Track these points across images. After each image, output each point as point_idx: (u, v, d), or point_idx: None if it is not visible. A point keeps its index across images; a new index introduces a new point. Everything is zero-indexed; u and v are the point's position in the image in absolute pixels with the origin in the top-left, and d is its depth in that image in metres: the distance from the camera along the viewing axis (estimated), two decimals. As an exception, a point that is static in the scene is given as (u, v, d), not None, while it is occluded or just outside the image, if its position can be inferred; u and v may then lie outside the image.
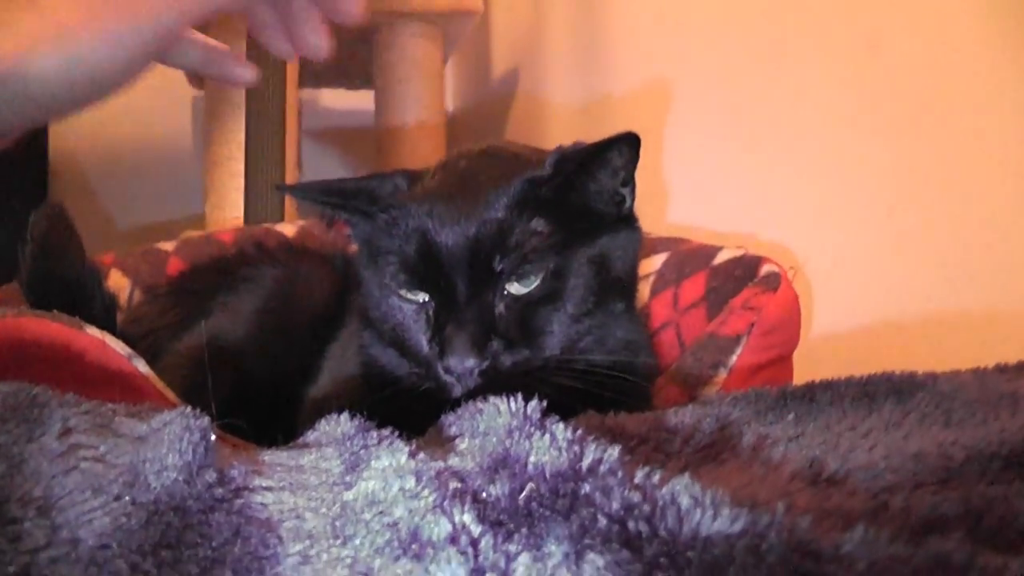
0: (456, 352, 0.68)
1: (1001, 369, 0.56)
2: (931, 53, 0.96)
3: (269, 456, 0.45)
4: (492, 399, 0.52)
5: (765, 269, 0.96)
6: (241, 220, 1.47)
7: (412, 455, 0.44)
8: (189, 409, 0.45)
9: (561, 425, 0.46)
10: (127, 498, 0.36)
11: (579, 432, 0.44)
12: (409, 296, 0.73)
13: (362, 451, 0.46)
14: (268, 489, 0.40)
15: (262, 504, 0.39)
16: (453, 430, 0.55)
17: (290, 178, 1.51)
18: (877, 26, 1.02)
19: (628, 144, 0.74)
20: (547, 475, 0.41)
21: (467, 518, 0.38)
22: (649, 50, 1.37)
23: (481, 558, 0.36)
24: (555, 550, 0.36)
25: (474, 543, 0.37)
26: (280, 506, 0.39)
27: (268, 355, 0.95)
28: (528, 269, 0.70)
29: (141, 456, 0.39)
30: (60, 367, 0.70)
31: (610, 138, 0.73)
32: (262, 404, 0.90)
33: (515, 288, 0.70)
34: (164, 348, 0.94)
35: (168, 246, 1.28)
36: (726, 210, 1.25)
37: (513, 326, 0.70)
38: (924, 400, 0.49)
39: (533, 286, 0.71)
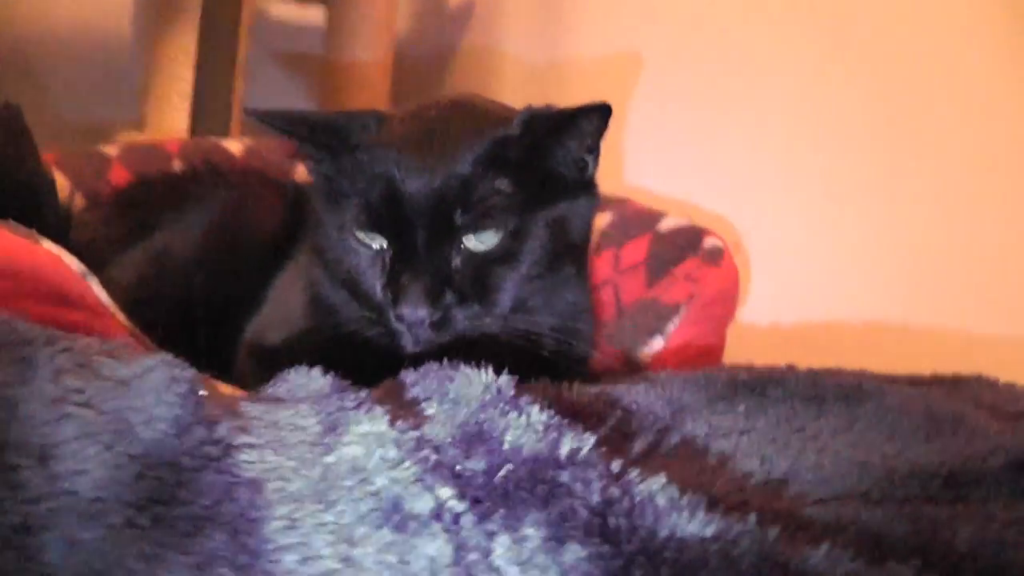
0: (410, 301, 0.68)
1: (939, 381, 0.60)
2: (900, 43, 0.98)
3: (247, 407, 0.46)
4: (463, 368, 0.53)
5: (709, 242, 0.98)
6: (182, 128, 1.43)
7: (391, 423, 0.45)
8: (171, 357, 0.44)
9: (536, 407, 0.47)
10: (119, 448, 0.36)
11: (555, 417, 0.45)
12: (367, 240, 0.73)
13: (339, 413, 0.46)
14: (251, 447, 0.41)
15: (248, 462, 0.39)
16: (417, 391, 0.55)
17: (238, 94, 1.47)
18: (845, 11, 1.04)
19: (600, 114, 0.75)
20: (524, 457, 0.42)
21: (448, 493, 0.40)
22: (616, 15, 1.37)
23: (463, 535, 0.38)
24: (533, 534, 0.38)
25: (456, 519, 0.38)
26: (264, 465, 0.40)
27: (213, 279, 0.93)
28: (488, 225, 0.71)
29: (127, 403, 0.39)
30: (12, 280, 0.69)
31: (584, 107, 0.74)
32: (203, 328, 0.89)
33: (473, 244, 0.71)
34: (107, 260, 0.92)
35: (112, 150, 1.23)
36: (676, 177, 1.27)
37: (468, 281, 0.71)
38: (872, 410, 0.52)
39: (492, 244, 0.71)
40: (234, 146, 1.31)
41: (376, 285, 0.73)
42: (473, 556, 0.37)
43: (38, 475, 0.33)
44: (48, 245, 0.71)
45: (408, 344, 0.72)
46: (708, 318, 0.96)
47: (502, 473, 0.41)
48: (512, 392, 0.49)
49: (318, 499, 0.39)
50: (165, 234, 0.96)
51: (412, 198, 0.70)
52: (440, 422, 0.48)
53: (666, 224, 1.08)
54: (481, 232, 0.71)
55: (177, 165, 1.24)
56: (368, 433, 0.43)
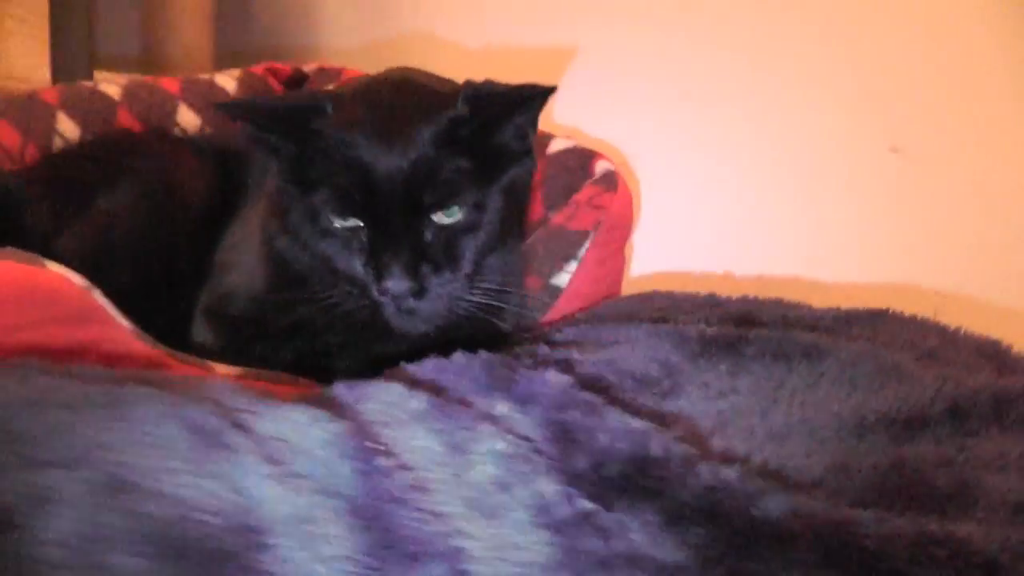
0: (393, 276, 0.76)
1: (858, 317, 0.75)
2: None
3: (379, 431, 0.52)
4: (527, 371, 0.62)
5: (601, 166, 1.06)
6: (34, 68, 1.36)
7: (503, 438, 0.54)
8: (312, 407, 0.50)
9: (612, 408, 0.57)
10: (338, 504, 0.42)
11: (637, 420, 0.55)
12: (341, 223, 0.79)
13: (459, 433, 0.54)
14: (403, 467, 0.48)
15: (409, 486, 0.47)
16: (479, 399, 0.63)
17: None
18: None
19: (546, 95, 0.84)
20: (623, 456, 0.53)
21: (577, 493, 0.50)
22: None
23: (603, 525, 0.48)
24: (653, 519, 0.49)
25: (590, 516, 0.49)
26: (424, 485, 0.48)
27: (158, 253, 0.95)
28: (454, 202, 0.78)
29: (322, 462, 0.45)
30: (38, 308, 0.70)
31: (531, 88, 0.82)
32: (157, 304, 0.92)
33: (441, 219, 0.79)
34: (38, 245, 0.91)
35: None
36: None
37: (439, 252, 0.79)
38: (832, 366, 0.66)
39: (458, 217, 0.79)
40: (112, 90, 1.27)
41: (356, 263, 0.79)
42: (618, 544, 0.47)
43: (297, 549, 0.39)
44: (52, 266, 0.72)
45: (391, 311, 0.79)
46: (612, 240, 1.07)
47: (610, 472, 0.52)
48: (579, 393, 0.59)
49: (482, 513, 0.47)
50: (100, 214, 0.96)
51: (383, 183, 0.76)
52: (524, 423, 0.58)
53: (554, 146, 1.17)
54: (448, 207, 0.78)
55: (63, 118, 1.21)
56: (494, 450, 0.52)
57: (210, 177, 1.03)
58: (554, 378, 0.61)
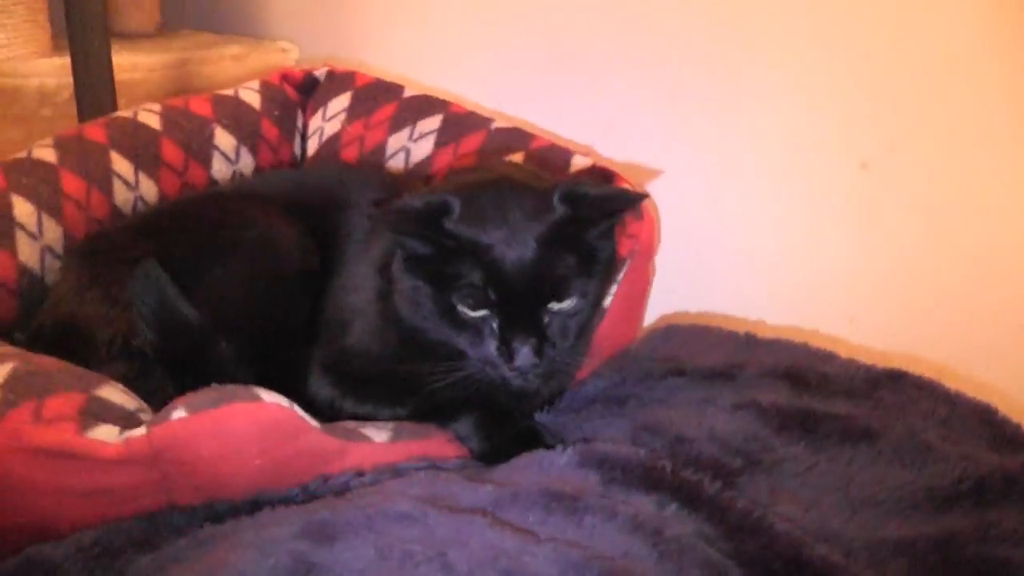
0: (523, 358, 0.94)
1: (887, 379, 1.00)
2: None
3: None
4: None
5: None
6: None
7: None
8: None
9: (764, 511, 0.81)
10: None
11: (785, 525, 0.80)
12: (474, 314, 0.96)
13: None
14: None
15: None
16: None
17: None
18: None
19: (637, 201, 1.02)
20: (786, 557, 0.77)
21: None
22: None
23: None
24: None
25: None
26: None
27: (269, 317, 1.10)
28: (568, 294, 0.97)
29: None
30: (262, 441, 0.87)
31: (624, 194, 1.01)
32: (271, 364, 1.08)
33: (557, 308, 0.97)
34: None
35: (48, 155, 1.25)
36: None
37: (555, 333, 0.98)
38: (885, 447, 0.91)
39: (570, 306, 0.98)
40: (151, 119, 1.36)
41: (489, 346, 0.97)
42: None
43: None
44: (265, 395, 0.87)
45: (517, 384, 0.98)
46: (641, 266, 1.27)
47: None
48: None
49: None
50: (212, 287, 1.08)
51: (512, 281, 0.94)
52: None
53: (576, 164, 1.34)
54: (563, 298, 0.97)
55: (116, 158, 1.29)
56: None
57: (302, 237, 1.17)
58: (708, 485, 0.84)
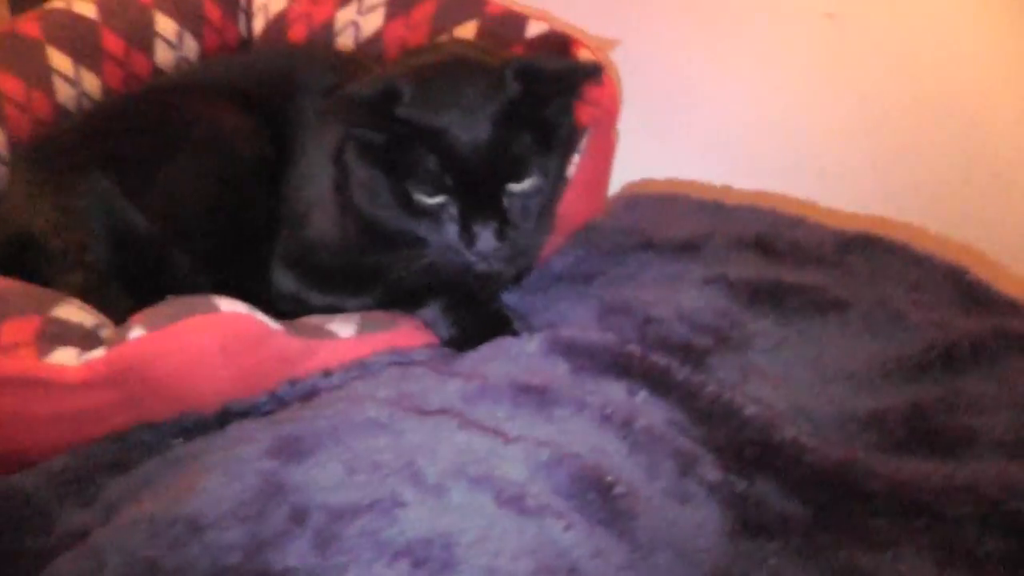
0: (485, 241, 0.92)
1: (860, 243, 0.99)
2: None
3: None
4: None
5: (584, 57, 1.17)
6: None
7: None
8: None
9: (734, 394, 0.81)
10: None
11: (754, 408, 0.80)
12: (432, 200, 0.94)
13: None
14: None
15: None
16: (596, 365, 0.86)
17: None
18: None
19: (594, 74, 0.98)
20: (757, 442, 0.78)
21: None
22: None
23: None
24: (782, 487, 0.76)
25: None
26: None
27: (226, 215, 1.07)
28: (526, 173, 0.94)
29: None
30: (226, 355, 0.85)
31: (580, 68, 0.97)
32: (232, 260, 1.06)
33: (514, 188, 0.94)
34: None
35: None
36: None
37: (515, 214, 0.95)
38: (855, 317, 0.90)
39: (528, 186, 0.95)
40: (88, 9, 1.29)
41: (450, 231, 0.94)
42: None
43: None
44: (222, 303, 0.85)
45: (481, 268, 0.97)
46: (605, 132, 1.24)
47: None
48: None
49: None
50: (164, 188, 1.05)
51: (468, 163, 0.91)
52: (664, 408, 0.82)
53: (532, 30, 1.28)
54: (521, 178, 0.94)
55: (54, 54, 1.23)
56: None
57: (254, 127, 1.12)
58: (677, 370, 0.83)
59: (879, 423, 0.81)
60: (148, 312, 0.84)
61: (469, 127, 0.90)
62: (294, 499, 0.68)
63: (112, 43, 1.28)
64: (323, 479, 0.71)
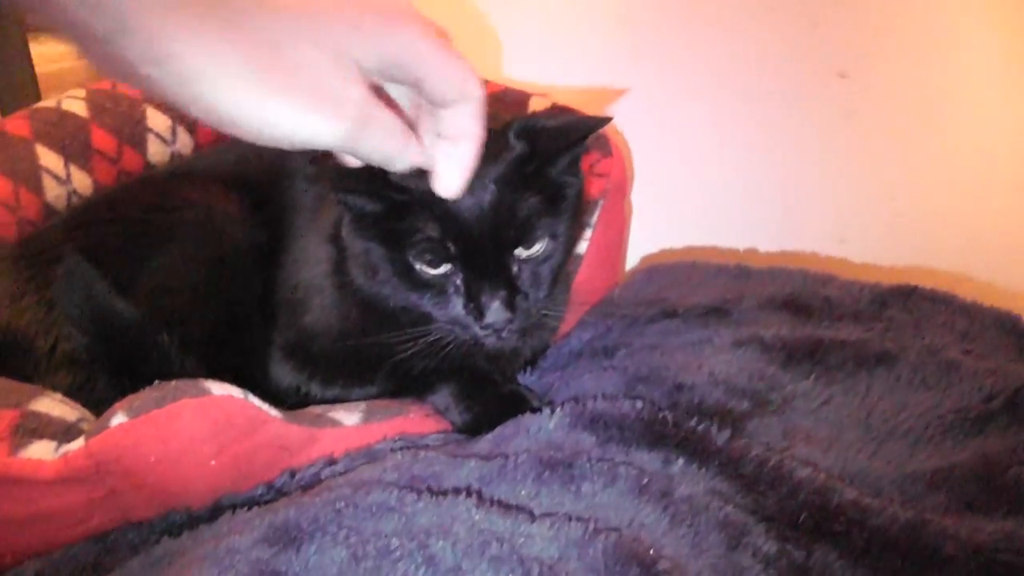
0: (493, 313, 0.85)
1: (894, 295, 0.91)
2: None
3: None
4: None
5: None
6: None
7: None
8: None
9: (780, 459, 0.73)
10: None
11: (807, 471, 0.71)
12: (434, 271, 0.87)
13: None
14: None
15: None
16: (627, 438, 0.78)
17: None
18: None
19: (601, 125, 0.92)
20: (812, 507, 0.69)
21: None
22: None
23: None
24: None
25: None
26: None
27: (218, 302, 1.00)
28: (535, 237, 0.87)
29: None
30: (216, 438, 0.78)
31: (586, 125, 0.90)
32: (225, 349, 0.99)
33: (523, 253, 0.87)
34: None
35: None
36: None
37: (526, 282, 0.88)
38: (905, 369, 0.83)
39: (539, 250, 0.88)
40: (77, 106, 1.26)
41: (456, 304, 0.87)
42: None
43: None
44: (215, 388, 0.78)
45: (491, 343, 0.89)
46: (615, 205, 1.19)
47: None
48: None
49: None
50: (155, 276, 0.99)
51: (472, 229, 0.84)
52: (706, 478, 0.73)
53: (534, 105, 1.25)
54: (530, 242, 0.87)
55: (43, 152, 1.19)
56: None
57: (247, 212, 1.07)
58: (716, 435, 0.75)
59: (946, 481, 0.72)
60: (132, 397, 0.76)
61: (472, 190, 0.83)
62: (291, 589, 0.59)
63: (102, 140, 1.24)
64: (325, 566, 0.62)
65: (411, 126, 0.71)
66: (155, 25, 0.51)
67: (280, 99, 0.57)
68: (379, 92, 0.66)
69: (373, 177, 0.83)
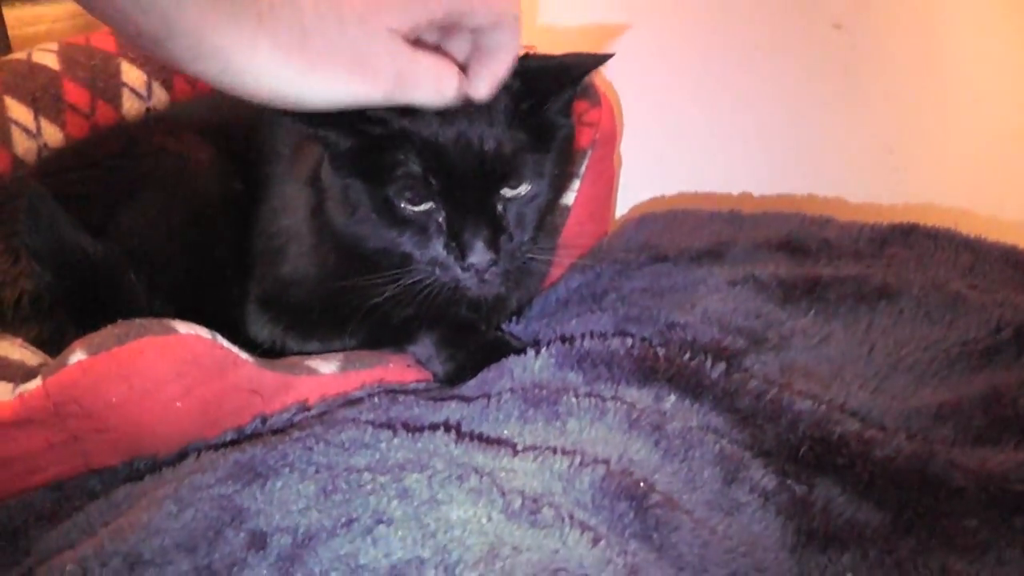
0: (476, 252, 0.80)
1: (894, 233, 0.87)
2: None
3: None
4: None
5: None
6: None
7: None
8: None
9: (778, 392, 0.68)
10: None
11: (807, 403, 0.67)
12: (416, 208, 0.82)
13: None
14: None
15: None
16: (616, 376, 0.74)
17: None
18: None
19: (602, 62, 0.87)
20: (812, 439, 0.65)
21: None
22: None
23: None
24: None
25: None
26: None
27: (193, 253, 0.96)
28: (522, 175, 0.83)
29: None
30: (182, 377, 0.73)
31: (586, 63, 0.85)
32: (202, 301, 0.94)
33: (508, 192, 0.83)
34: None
35: None
36: None
37: (510, 222, 0.84)
38: (908, 303, 0.79)
39: (525, 190, 0.84)
40: (49, 59, 1.21)
41: (435, 245, 0.83)
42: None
43: None
44: (181, 327, 0.74)
45: (473, 285, 0.84)
46: (605, 156, 1.15)
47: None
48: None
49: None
50: (125, 226, 0.94)
51: (457, 165, 0.79)
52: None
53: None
54: (516, 181, 0.83)
55: (12, 104, 1.15)
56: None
57: (222, 161, 1.02)
58: (710, 370, 0.71)
59: (954, 414, 0.68)
60: (93, 335, 0.72)
61: (459, 124, 0.79)
62: (253, 524, 0.55)
63: (75, 94, 1.19)
64: (291, 500, 0.58)
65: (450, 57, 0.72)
66: (197, 26, 0.57)
67: (319, 75, 0.63)
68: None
69: (350, 112, 0.79)
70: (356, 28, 0.63)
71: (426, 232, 0.83)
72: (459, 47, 0.74)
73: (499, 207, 0.82)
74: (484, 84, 0.73)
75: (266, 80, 0.61)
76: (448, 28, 0.71)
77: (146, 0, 0.55)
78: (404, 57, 0.66)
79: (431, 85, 0.69)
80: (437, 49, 0.70)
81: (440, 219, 0.82)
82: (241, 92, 0.62)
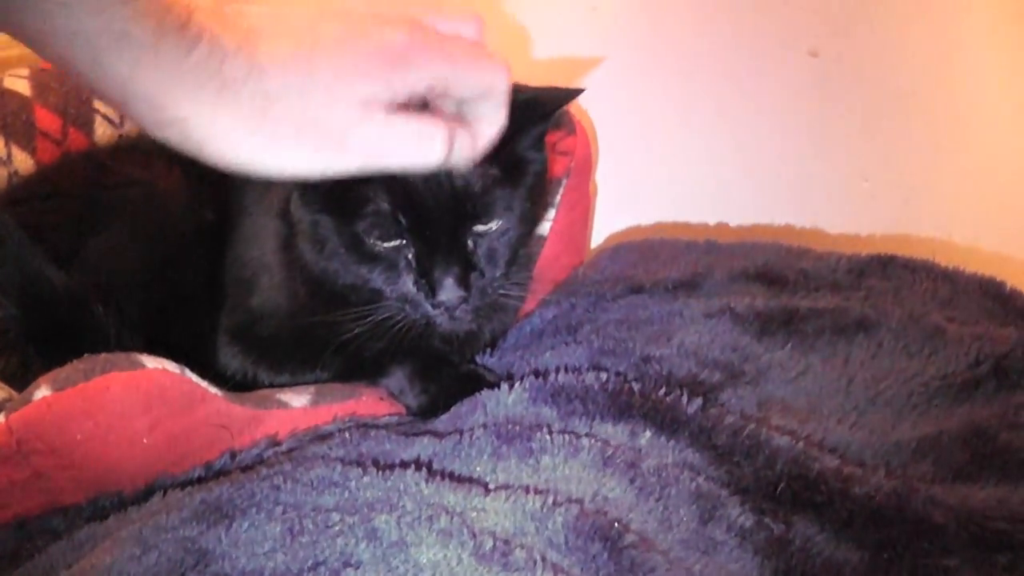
0: (446, 290, 0.79)
1: (874, 264, 0.87)
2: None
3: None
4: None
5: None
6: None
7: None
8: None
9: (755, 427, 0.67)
10: None
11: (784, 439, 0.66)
12: (386, 245, 0.81)
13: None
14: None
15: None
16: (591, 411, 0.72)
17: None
18: None
19: (574, 96, 0.87)
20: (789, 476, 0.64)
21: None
22: None
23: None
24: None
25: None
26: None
27: (161, 281, 0.94)
28: (492, 211, 0.82)
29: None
30: (149, 412, 0.72)
31: (557, 98, 0.85)
32: (169, 330, 0.92)
33: (482, 229, 0.82)
34: None
35: None
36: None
37: (481, 259, 0.83)
38: (887, 336, 0.78)
39: (496, 225, 0.83)
40: (20, 85, 1.19)
41: (406, 281, 0.82)
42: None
43: None
44: (148, 361, 0.72)
45: (443, 322, 0.84)
46: (580, 184, 1.14)
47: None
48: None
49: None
50: (92, 254, 0.93)
51: (427, 202, 0.78)
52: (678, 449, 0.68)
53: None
54: (487, 217, 0.82)
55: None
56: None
57: (192, 189, 1.00)
58: (687, 405, 0.70)
59: (933, 449, 0.68)
60: (58, 371, 0.70)
61: None
62: (217, 567, 0.54)
63: (46, 120, 1.18)
64: (256, 542, 0.56)
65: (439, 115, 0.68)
66: (155, 94, 0.55)
67: (283, 147, 0.60)
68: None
69: None
70: (323, 98, 0.60)
71: (396, 268, 0.82)
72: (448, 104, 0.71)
73: (470, 243, 0.81)
74: (464, 154, 0.69)
75: (230, 152, 0.59)
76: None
77: (105, 63, 0.53)
78: (379, 127, 0.62)
79: (412, 151, 0.65)
80: (425, 107, 0.66)
81: (410, 256, 0.81)
82: (208, 161, 0.60)
